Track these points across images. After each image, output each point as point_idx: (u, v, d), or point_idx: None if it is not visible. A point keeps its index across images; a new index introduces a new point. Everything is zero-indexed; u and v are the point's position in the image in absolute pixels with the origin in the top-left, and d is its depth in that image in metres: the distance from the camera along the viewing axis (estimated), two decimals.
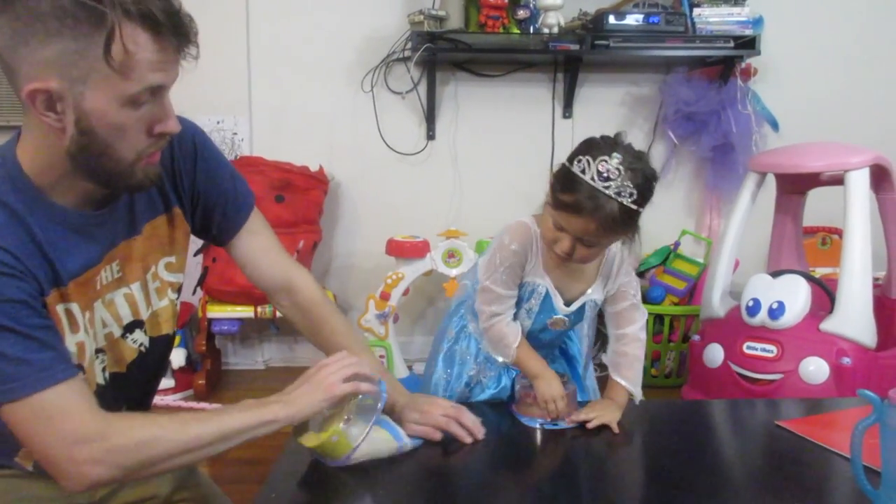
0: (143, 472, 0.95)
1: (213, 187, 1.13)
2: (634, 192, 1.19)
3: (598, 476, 1.14)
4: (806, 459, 1.15)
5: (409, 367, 3.04)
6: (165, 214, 1.09)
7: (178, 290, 1.16)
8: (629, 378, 1.37)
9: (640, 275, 3.07)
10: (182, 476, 1.23)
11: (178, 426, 0.94)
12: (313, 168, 2.96)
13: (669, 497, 1.02)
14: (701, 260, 2.99)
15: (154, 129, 0.91)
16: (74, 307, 0.97)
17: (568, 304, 1.39)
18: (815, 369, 1.98)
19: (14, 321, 0.86)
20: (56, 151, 0.89)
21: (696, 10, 2.94)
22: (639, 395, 1.37)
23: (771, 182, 2.46)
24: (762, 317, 2.08)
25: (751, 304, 2.12)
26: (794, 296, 2.07)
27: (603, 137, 1.25)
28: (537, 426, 1.29)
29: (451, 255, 2.85)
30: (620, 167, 1.19)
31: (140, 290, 1.08)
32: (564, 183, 1.22)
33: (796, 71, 3.19)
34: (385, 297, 2.86)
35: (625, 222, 1.21)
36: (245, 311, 2.81)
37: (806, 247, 2.61)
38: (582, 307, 1.40)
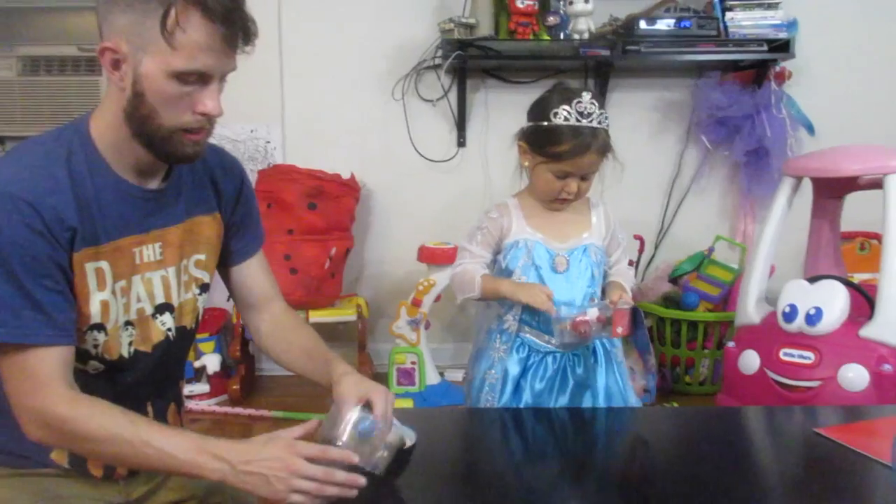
0: (77, 453, 1.07)
1: (246, 217, 1.24)
2: (606, 113, 1.44)
3: (633, 482, 1.13)
4: (845, 467, 1.13)
5: (441, 374, 3.05)
6: (208, 215, 1.17)
7: (203, 288, 1.19)
8: (624, 277, 1.56)
9: (674, 281, 3.04)
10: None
11: (111, 438, 0.97)
12: (345, 175, 2.98)
13: (705, 500, 1.01)
14: (735, 266, 2.95)
15: (196, 108, 0.99)
16: (105, 266, 1.03)
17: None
18: (855, 376, 1.94)
19: (26, 275, 0.94)
20: (118, 111, 1.00)
21: (729, 14, 2.91)
22: (631, 283, 1.57)
23: (807, 186, 2.42)
24: (799, 323, 2.05)
25: (787, 309, 2.09)
26: (833, 301, 2.03)
27: (551, 90, 1.47)
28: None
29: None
30: (594, 102, 1.41)
31: (174, 276, 1.13)
32: (552, 138, 1.43)
33: (832, 74, 3.14)
34: (417, 303, 2.87)
35: (608, 144, 1.45)
36: None
37: (844, 252, 2.56)
38: (580, 249, 1.52)
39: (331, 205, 2.91)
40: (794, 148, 3.03)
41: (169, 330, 1.14)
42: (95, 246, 1.01)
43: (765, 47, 2.89)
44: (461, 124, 3.17)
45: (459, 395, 2.73)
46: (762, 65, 2.99)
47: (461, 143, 3.20)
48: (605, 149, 1.44)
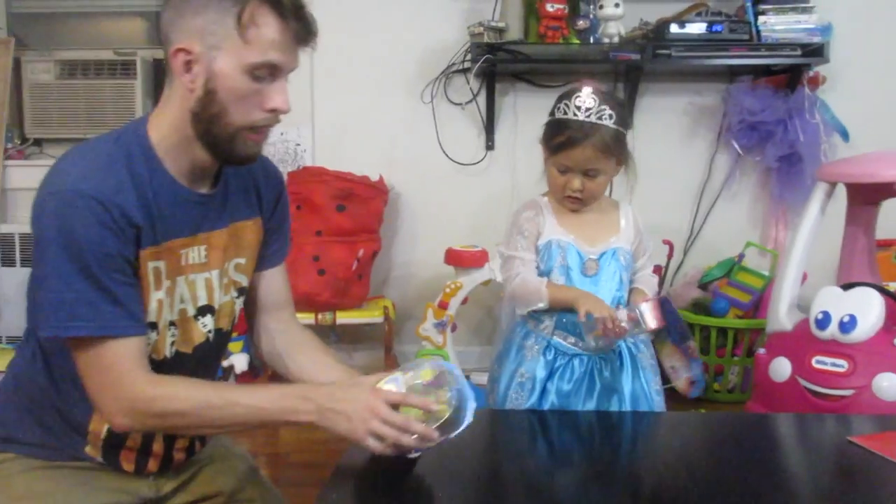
0: (165, 432, 1.12)
1: (280, 226, 1.27)
2: (612, 112, 1.41)
3: (660, 488, 1.12)
4: (880, 476, 1.11)
5: (467, 376, 3.03)
6: (250, 220, 1.19)
7: (241, 291, 1.21)
8: (647, 285, 1.56)
9: (703, 287, 3.01)
10: (245, 475, 1.27)
11: (201, 405, 1.02)
12: (374, 178, 3.00)
13: None
14: (766, 273, 2.92)
15: (266, 105, 1.03)
16: (162, 266, 1.06)
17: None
18: (890, 385, 1.90)
19: (100, 270, 0.97)
20: (181, 113, 1.03)
21: (762, 18, 2.88)
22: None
23: (841, 193, 2.38)
24: (832, 330, 2.01)
25: (820, 316, 2.05)
26: (867, 309, 1.99)
27: (567, 87, 1.49)
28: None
29: (501, 257, 2.84)
30: (594, 96, 1.41)
31: (217, 278, 1.15)
32: (553, 130, 1.45)
33: (867, 78, 3.09)
34: (443, 306, 2.87)
35: (615, 142, 1.43)
36: (306, 318, 2.86)
37: (879, 260, 2.51)
38: (610, 252, 1.51)
39: (359, 207, 2.93)
40: (827, 154, 2.98)
41: (209, 332, 1.16)
42: (155, 245, 1.05)
43: (798, 51, 2.85)
44: (489, 128, 3.17)
45: (485, 398, 2.73)
46: (795, 69, 2.96)
47: (489, 146, 3.21)
48: (605, 147, 1.42)
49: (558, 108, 1.45)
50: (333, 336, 3.18)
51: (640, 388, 1.51)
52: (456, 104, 3.18)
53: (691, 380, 1.37)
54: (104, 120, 3.32)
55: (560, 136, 1.43)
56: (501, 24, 2.89)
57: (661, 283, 2.69)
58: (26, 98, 3.32)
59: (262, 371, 2.99)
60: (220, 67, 0.99)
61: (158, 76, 3.41)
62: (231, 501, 1.23)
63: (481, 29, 2.90)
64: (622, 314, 1.39)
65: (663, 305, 1.40)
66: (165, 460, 1.17)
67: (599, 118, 1.41)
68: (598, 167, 1.45)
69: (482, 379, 3.07)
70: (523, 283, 1.49)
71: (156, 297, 1.06)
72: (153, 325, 1.07)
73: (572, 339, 1.49)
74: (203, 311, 1.14)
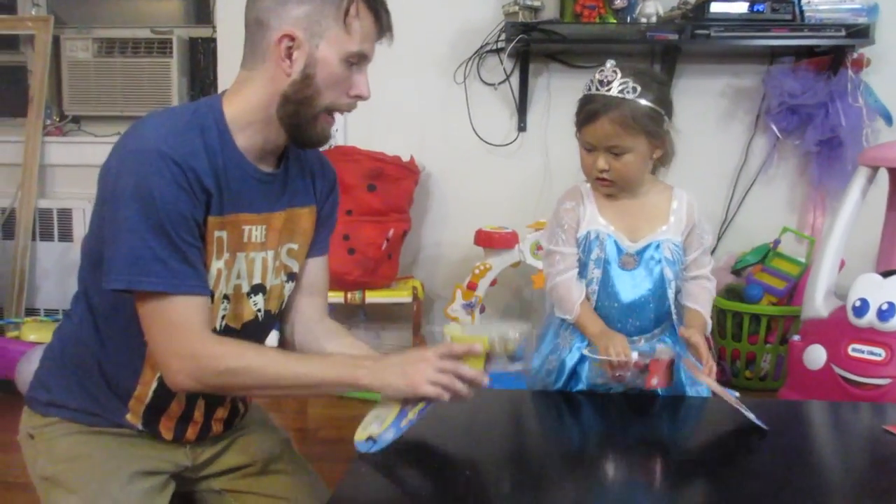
0: (224, 393, 1.16)
1: (328, 217, 1.30)
2: (637, 85, 1.35)
3: (695, 473, 1.11)
4: None
5: None
6: (306, 207, 1.22)
7: (290, 277, 1.23)
8: (704, 307, 1.47)
9: (737, 272, 2.96)
10: (278, 447, 1.29)
11: (263, 364, 1.05)
12: (405, 158, 3.00)
13: (771, 496, 0.98)
14: (803, 259, 2.86)
15: (352, 91, 1.11)
16: (225, 237, 1.09)
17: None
18: None
19: (173, 229, 1.01)
20: (266, 95, 1.08)
21: None
22: (710, 325, 1.47)
23: (882, 179, 2.32)
24: (870, 318, 1.97)
25: (858, 304, 2.01)
26: None
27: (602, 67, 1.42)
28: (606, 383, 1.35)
29: (540, 247, 2.83)
30: (616, 70, 1.36)
31: (272, 259, 1.17)
32: (579, 106, 1.41)
33: None
34: (472, 287, 2.87)
35: (639, 117, 1.35)
36: (335, 297, 2.88)
37: None
38: (653, 246, 1.44)
39: (390, 187, 2.93)
40: (869, 138, 2.90)
41: (259, 311, 1.18)
42: (221, 215, 1.08)
43: (842, 32, 2.77)
44: (522, 108, 3.14)
45: (510, 379, 2.72)
46: (839, 51, 2.87)
47: (521, 127, 3.18)
48: (626, 121, 1.35)
49: (586, 86, 1.42)
50: (362, 315, 3.20)
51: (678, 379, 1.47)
52: (489, 84, 3.16)
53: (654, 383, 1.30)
54: (141, 97, 3.36)
55: (581, 112, 1.40)
56: (537, 3, 2.86)
57: None
58: (65, 75, 3.38)
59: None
60: (322, 54, 1.06)
61: (194, 55, 3.44)
62: (264, 472, 1.26)
63: (516, 8, 2.87)
64: (634, 356, 1.31)
65: (673, 364, 1.31)
66: (204, 430, 1.20)
67: (621, 91, 1.35)
68: (622, 144, 1.37)
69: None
70: (564, 291, 1.45)
71: (216, 265, 1.09)
72: (210, 294, 1.09)
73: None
74: (256, 289, 1.16)
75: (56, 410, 1.15)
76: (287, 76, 1.07)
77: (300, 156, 1.21)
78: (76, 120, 3.48)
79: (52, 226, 3.32)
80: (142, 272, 1.00)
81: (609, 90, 1.36)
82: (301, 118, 1.09)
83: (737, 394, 1.28)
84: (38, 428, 1.16)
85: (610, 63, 1.38)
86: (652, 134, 1.38)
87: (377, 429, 1.04)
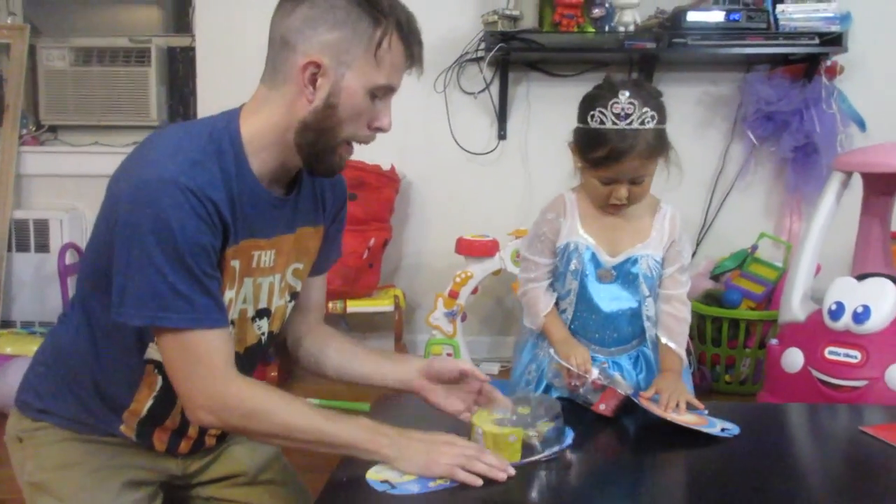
0: (242, 434, 1.14)
1: (335, 236, 1.28)
2: (655, 113, 1.30)
3: (675, 475, 1.12)
4: (892, 465, 1.10)
5: (477, 366, 3.04)
6: (313, 227, 1.19)
7: (293, 296, 1.21)
8: (681, 345, 1.43)
9: (716, 278, 2.99)
10: (268, 457, 1.29)
11: (288, 413, 1.03)
12: (385, 167, 3.00)
13: (749, 499, 0.99)
14: (780, 264, 2.89)
15: (373, 123, 1.07)
16: (237, 265, 1.06)
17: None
18: None
19: (194, 261, 0.97)
20: (285, 120, 1.04)
21: (780, 7, 2.84)
22: (685, 362, 1.44)
23: (857, 184, 2.36)
24: (846, 321, 2.00)
25: (834, 307, 2.04)
26: (882, 299, 1.97)
27: (597, 87, 1.36)
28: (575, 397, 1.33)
29: (521, 255, 2.84)
30: (633, 101, 1.28)
31: (278, 282, 1.15)
32: (590, 142, 1.33)
33: (886, 68, 3.05)
34: (454, 295, 2.87)
35: (659, 144, 1.32)
36: None
37: (894, 251, 2.49)
38: (631, 260, 1.42)
39: (370, 196, 2.93)
40: (844, 144, 2.95)
41: (262, 334, 1.17)
42: (236, 244, 1.04)
43: (816, 40, 2.82)
44: (502, 117, 3.16)
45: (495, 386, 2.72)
46: (813, 58, 2.92)
47: (502, 135, 3.19)
48: (651, 151, 1.31)
49: (592, 117, 1.31)
50: (344, 324, 3.19)
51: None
52: (469, 93, 3.17)
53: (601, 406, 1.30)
54: (119, 107, 3.34)
55: (600, 150, 1.31)
56: (516, 12, 2.87)
57: None
58: (41, 85, 3.35)
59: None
60: (347, 84, 1.01)
61: (173, 64, 3.42)
62: (253, 482, 1.25)
63: (495, 17, 2.88)
64: (595, 373, 1.31)
65: (627, 402, 1.27)
66: (197, 444, 1.19)
67: (642, 123, 1.29)
68: (646, 172, 1.35)
69: (493, 369, 3.09)
70: (532, 302, 1.47)
71: (229, 295, 1.06)
72: (230, 324, 1.07)
73: (584, 341, 1.47)
74: (261, 313, 1.15)
75: (48, 417, 1.13)
76: (309, 103, 1.02)
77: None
78: (53, 129, 3.44)
79: (28, 237, 3.27)
80: (162, 307, 0.96)
81: (630, 123, 1.29)
82: (319, 147, 1.05)
83: (705, 410, 1.27)
84: (28, 432, 1.14)
85: (624, 94, 1.29)
86: (666, 151, 1.36)
87: (396, 476, 1.02)
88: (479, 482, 1.01)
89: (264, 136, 1.05)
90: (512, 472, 1.03)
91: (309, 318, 1.29)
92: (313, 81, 1.01)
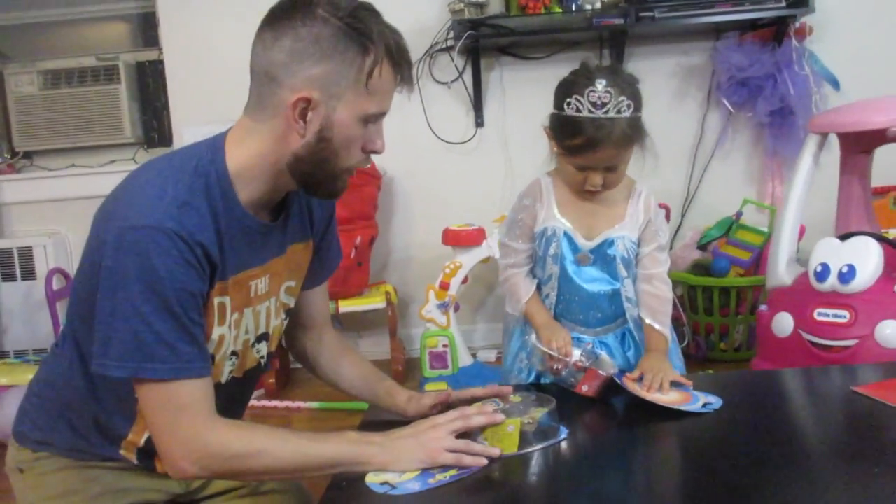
0: (231, 478, 1.10)
1: (328, 246, 1.26)
2: (631, 102, 1.29)
3: (671, 449, 1.13)
4: (885, 423, 1.11)
5: (474, 355, 3.06)
6: (302, 242, 1.18)
7: (288, 313, 1.21)
8: (665, 324, 1.44)
9: (703, 248, 3.00)
10: None
11: (273, 448, 1.01)
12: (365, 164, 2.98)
13: (745, 467, 1.00)
14: (765, 229, 2.91)
15: (367, 147, 1.05)
16: (227, 301, 1.05)
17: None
18: (892, 333, 1.89)
19: (181, 309, 0.95)
20: (276, 153, 1.01)
21: None
22: (670, 340, 1.46)
23: (834, 143, 2.36)
24: (832, 282, 2.01)
25: (819, 269, 2.05)
26: (865, 258, 1.98)
27: (573, 73, 1.34)
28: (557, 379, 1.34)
29: (499, 241, 2.84)
30: (609, 89, 1.27)
31: (273, 305, 1.15)
32: (566, 129, 1.32)
33: (854, 26, 3.06)
34: (444, 286, 2.87)
35: (634, 132, 1.31)
36: None
37: (876, 208, 2.50)
38: (607, 243, 1.43)
39: (353, 194, 2.92)
40: (819, 105, 2.96)
41: (262, 357, 1.17)
42: (223, 281, 1.03)
43: (783, 3, 2.82)
44: (478, 105, 3.16)
45: (492, 375, 2.74)
46: (781, 22, 2.93)
47: (479, 123, 3.19)
48: (627, 140, 1.30)
49: (569, 104, 1.30)
50: (337, 324, 3.18)
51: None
52: (442, 83, 3.16)
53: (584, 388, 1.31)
54: (91, 127, 3.32)
55: (576, 139, 1.31)
56: None
57: None
58: (12, 111, 3.33)
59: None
60: (339, 117, 0.99)
61: (143, 78, 3.40)
62: (255, 492, 1.25)
63: (461, 5, 2.87)
64: (576, 355, 1.31)
65: (611, 382, 1.26)
66: None
67: (619, 111, 1.28)
68: (621, 159, 1.35)
69: (489, 356, 3.10)
70: (513, 288, 1.49)
71: (218, 332, 1.05)
72: (211, 358, 1.06)
73: (569, 323, 1.48)
74: (260, 338, 1.15)
75: (46, 447, 1.13)
76: (301, 137, 1.00)
77: (299, 194, 1.15)
78: (28, 156, 3.42)
79: (13, 265, 3.26)
80: (146, 358, 0.94)
81: (606, 112, 1.28)
82: (318, 177, 1.04)
83: (690, 386, 1.28)
84: (28, 462, 1.14)
85: (600, 82, 1.28)
86: (642, 138, 1.35)
87: (395, 477, 1.02)
88: (485, 461, 1.02)
89: (253, 168, 1.02)
90: (495, 452, 1.05)
91: (320, 333, 1.30)
92: (304, 116, 0.98)
